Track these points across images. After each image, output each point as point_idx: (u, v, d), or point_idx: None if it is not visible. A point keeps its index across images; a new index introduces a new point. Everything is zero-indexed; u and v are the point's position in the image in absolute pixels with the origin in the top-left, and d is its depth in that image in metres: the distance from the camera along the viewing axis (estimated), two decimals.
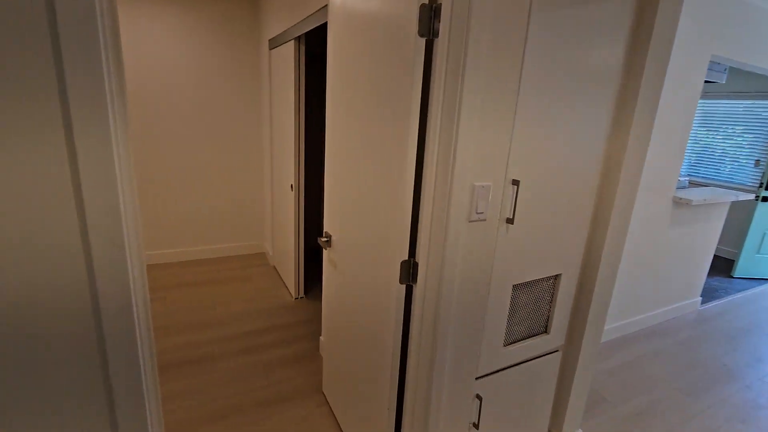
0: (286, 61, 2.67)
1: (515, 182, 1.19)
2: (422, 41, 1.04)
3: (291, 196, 2.88)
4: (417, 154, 1.12)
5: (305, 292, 3.18)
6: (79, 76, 0.65)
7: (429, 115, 1.06)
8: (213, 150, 3.54)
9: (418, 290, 1.19)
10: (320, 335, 2.58)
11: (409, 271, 1.20)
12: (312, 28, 2.12)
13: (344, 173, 1.53)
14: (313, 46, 3.53)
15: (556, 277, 1.45)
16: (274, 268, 3.62)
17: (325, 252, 1.82)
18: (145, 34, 3.08)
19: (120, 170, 0.69)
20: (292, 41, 2.49)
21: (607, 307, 1.57)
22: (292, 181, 2.82)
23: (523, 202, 1.23)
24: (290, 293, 3.13)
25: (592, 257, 1.49)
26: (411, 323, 1.25)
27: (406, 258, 1.19)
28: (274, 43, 2.89)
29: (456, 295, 1.19)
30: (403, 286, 1.22)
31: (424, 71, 1.06)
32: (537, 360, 1.52)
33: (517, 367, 1.47)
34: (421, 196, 1.14)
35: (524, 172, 1.20)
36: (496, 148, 1.11)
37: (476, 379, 1.37)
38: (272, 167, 3.39)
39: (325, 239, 1.72)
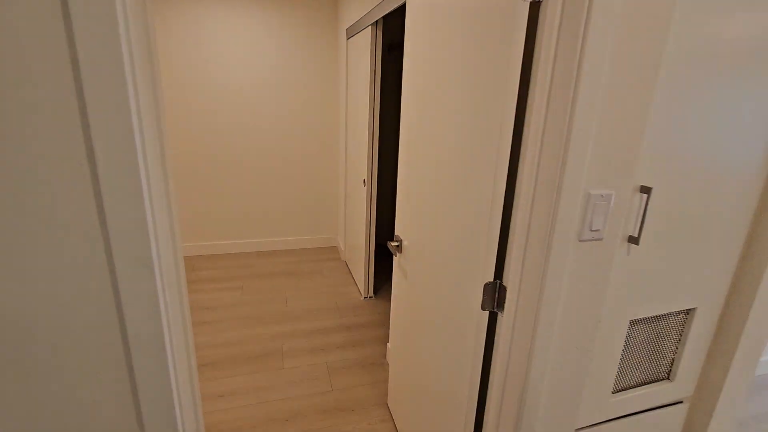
0: (362, 48, 2.53)
1: (645, 189, 0.89)
2: (525, 4, 0.80)
3: (363, 192, 2.76)
4: (512, 150, 0.88)
5: (374, 292, 3.07)
6: (98, 84, 0.55)
7: (530, 98, 0.82)
8: (291, 142, 3.57)
9: (504, 320, 0.96)
10: (387, 341, 2.43)
11: (494, 296, 0.98)
12: (390, 11, 1.94)
13: (418, 170, 1.34)
14: (391, 36, 3.36)
15: (689, 311, 1.12)
16: (345, 263, 3.57)
17: (395, 258, 1.65)
18: (223, 27, 3.15)
19: (148, 184, 0.58)
20: (369, 27, 2.34)
21: (760, 353, 1.19)
22: (364, 176, 2.70)
23: (651, 215, 0.94)
24: (359, 292, 3.04)
25: (742, 288, 1.12)
26: (494, 358, 1.03)
27: (491, 280, 0.96)
28: (352, 31, 2.78)
29: (556, 330, 0.94)
30: (486, 312, 1.00)
31: (525, 44, 0.82)
32: (654, 411, 1.20)
33: (627, 418, 1.17)
34: (515, 204, 0.90)
35: (657, 176, 0.90)
36: (623, 143, 0.83)
37: (576, 430, 1.10)
38: (346, 161, 3.31)
39: (396, 244, 1.55)
